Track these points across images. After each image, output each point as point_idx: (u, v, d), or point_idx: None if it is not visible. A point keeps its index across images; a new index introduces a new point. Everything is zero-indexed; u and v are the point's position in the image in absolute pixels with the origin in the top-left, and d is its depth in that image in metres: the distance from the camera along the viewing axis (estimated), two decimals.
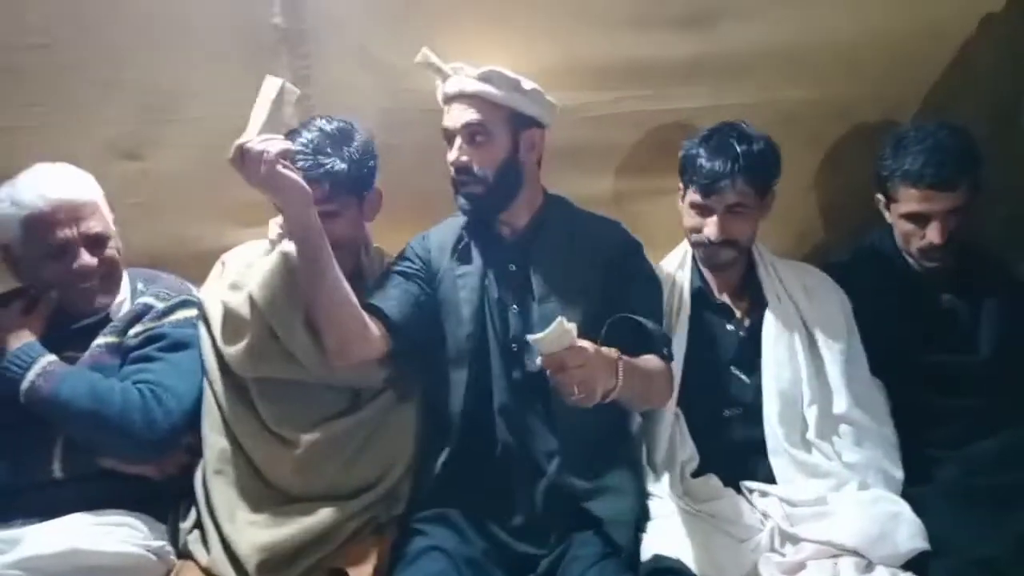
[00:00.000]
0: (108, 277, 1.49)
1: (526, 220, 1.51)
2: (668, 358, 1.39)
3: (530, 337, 1.16)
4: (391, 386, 1.52)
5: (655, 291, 1.51)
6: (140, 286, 1.57)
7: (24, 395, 1.36)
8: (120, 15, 1.66)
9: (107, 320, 1.51)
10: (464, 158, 1.45)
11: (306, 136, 1.46)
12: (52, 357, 1.40)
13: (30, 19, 1.63)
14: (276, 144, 1.30)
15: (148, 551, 1.35)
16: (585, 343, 1.18)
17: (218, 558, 1.35)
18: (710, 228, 1.49)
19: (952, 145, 1.50)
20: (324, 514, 1.39)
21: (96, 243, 1.45)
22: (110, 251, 1.48)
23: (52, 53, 1.64)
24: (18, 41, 1.63)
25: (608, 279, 1.46)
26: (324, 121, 1.50)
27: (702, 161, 1.49)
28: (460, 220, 1.55)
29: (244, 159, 1.29)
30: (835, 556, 1.30)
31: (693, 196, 1.52)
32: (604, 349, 1.23)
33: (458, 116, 1.46)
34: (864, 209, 1.70)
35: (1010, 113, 1.84)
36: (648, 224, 1.67)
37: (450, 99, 1.49)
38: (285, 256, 1.45)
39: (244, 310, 1.46)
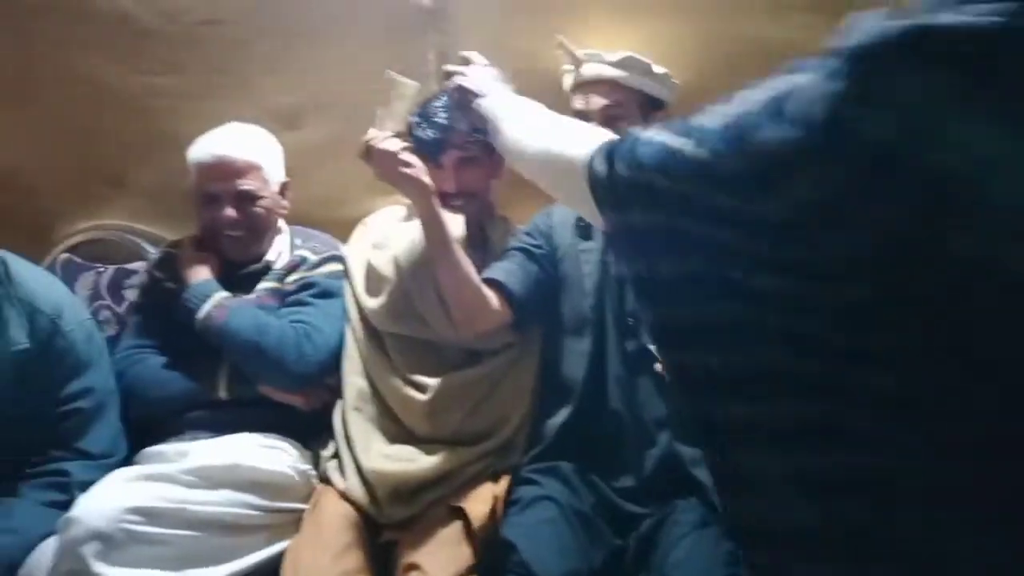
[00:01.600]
0: (253, 231, 1.66)
1: None
2: None
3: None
4: (508, 349, 1.62)
5: None
6: (297, 241, 1.75)
7: (199, 324, 1.55)
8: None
9: (267, 269, 1.70)
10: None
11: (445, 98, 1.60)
12: (226, 293, 1.59)
13: None
14: (395, 144, 1.45)
15: (296, 472, 1.52)
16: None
17: (353, 485, 1.50)
18: None
19: None
20: (447, 456, 1.52)
21: (244, 198, 1.62)
22: (257, 209, 1.64)
23: (224, 29, 1.84)
24: (194, 17, 1.84)
25: None
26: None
27: None
28: None
29: (370, 155, 1.45)
30: None
31: None
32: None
33: (596, 100, 1.56)
34: None
35: None
36: None
37: (585, 84, 1.58)
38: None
39: (387, 270, 1.61)
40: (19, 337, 1.38)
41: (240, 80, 1.88)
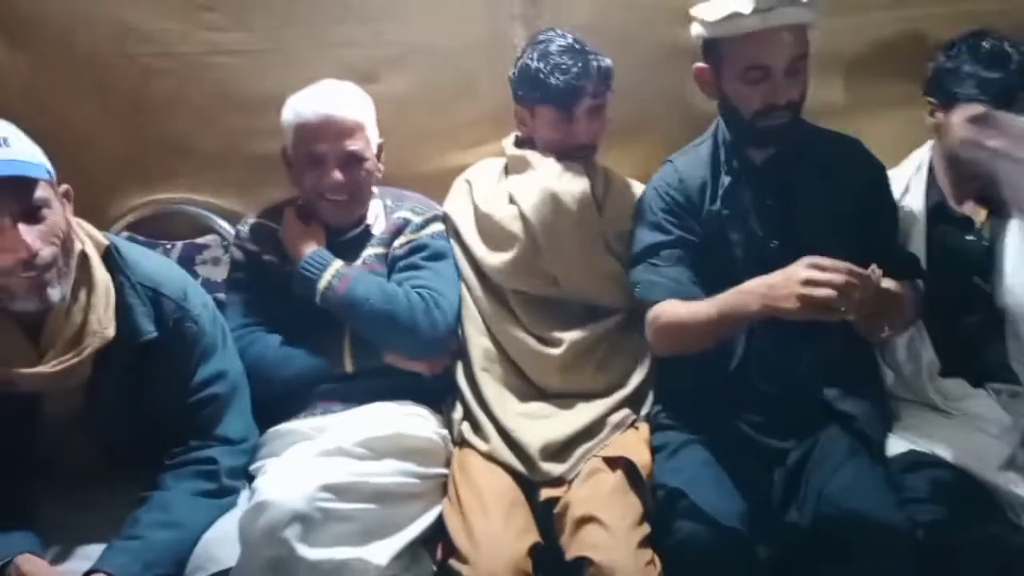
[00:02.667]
0: (358, 195, 1.59)
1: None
2: (919, 290, 1.47)
3: None
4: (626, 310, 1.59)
5: (896, 217, 1.54)
6: (389, 202, 1.68)
7: (321, 295, 1.49)
8: None
9: (367, 234, 1.63)
10: (789, 95, 1.41)
11: (561, 42, 1.54)
12: (341, 264, 1.52)
13: None
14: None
15: (439, 436, 1.49)
16: (890, 285, 1.26)
17: (498, 446, 1.48)
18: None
19: None
20: (587, 408, 1.52)
21: (351, 160, 1.55)
22: (362, 172, 1.57)
23: None
24: None
25: (862, 207, 1.49)
26: (557, 34, 1.57)
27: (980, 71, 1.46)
28: (706, 150, 1.54)
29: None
30: None
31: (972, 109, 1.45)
32: (893, 286, 1.30)
33: (780, 51, 1.37)
34: None
35: None
36: (872, 136, 1.66)
37: (766, 29, 1.37)
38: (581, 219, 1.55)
39: (514, 226, 1.56)
40: (146, 326, 1.29)
41: (310, 32, 1.77)
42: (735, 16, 1.37)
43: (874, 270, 1.22)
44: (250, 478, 1.39)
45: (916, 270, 1.49)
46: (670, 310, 1.44)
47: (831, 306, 1.20)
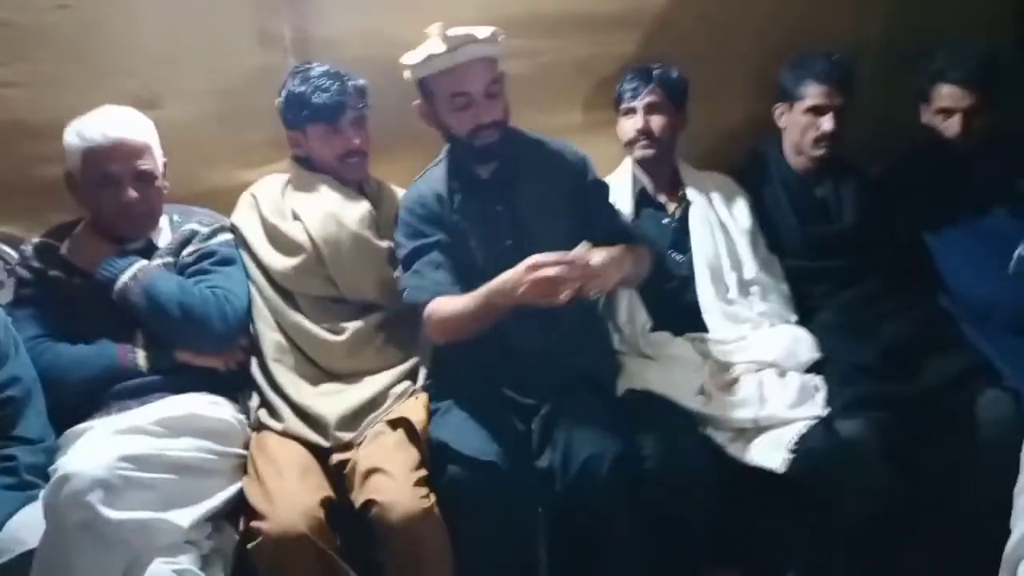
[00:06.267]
0: (150, 211, 1.73)
1: (499, 158, 1.74)
2: (643, 242, 1.82)
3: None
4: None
5: (608, 192, 1.89)
6: (176, 217, 1.82)
7: (117, 293, 1.61)
8: None
9: (151, 246, 1.76)
10: (493, 116, 1.67)
11: (319, 69, 1.80)
12: (144, 262, 1.65)
13: None
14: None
15: (236, 420, 1.65)
16: (602, 256, 1.57)
17: (293, 423, 1.67)
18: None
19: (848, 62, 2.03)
20: (372, 382, 1.75)
21: (143, 179, 1.68)
22: (154, 188, 1.71)
23: (74, 12, 1.83)
24: (44, 3, 1.81)
25: (573, 191, 1.78)
26: (313, 64, 1.84)
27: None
28: (440, 170, 1.77)
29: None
30: (758, 371, 1.80)
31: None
32: (613, 248, 1.62)
33: (474, 79, 1.63)
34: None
35: None
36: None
37: (458, 64, 1.62)
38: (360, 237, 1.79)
39: (300, 238, 1.78)
40: None
41: (89, 63, 1.87)
42: (431, 57, 1.63)
43: (584, 245, 1.55)
44: (48, 479, 1.46)
45: (631, 236, 1.80)
46: (439, 309, 1.66)
47: (550, 295, 1.50)
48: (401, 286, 1.74)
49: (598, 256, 1.60)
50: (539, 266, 1.52)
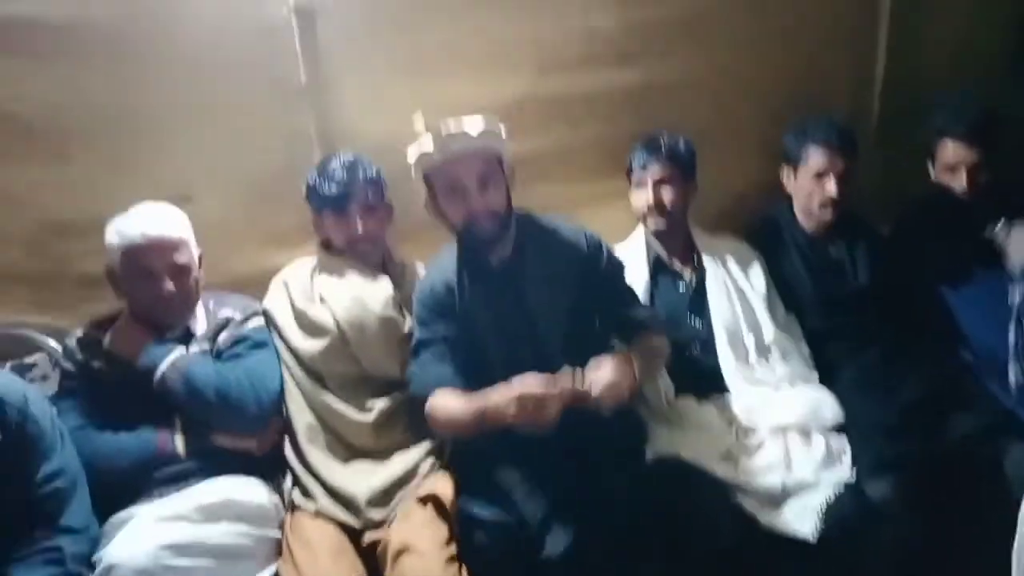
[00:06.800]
0: (186, 300, 1.81)
1: (511, 246, 1.76)
2: (660, 330, 1.81)
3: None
4: None
5: (624, 275, 1.88)
6: (211, 304, 1.91)
7: (157, 381, 1.68)
8: (166, 89, 1.98)
9: (188, 333, 1.84)
10: (487, 206, 1.67)
11: (337, 160, 1.89)
12: (182, 349, 1.72)
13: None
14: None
15: (271, 503, 1.70)
16: (605, 366, 1.55)
17: (326, 504, 1.72)
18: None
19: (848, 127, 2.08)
20: (401, 459, 1.79)
21: (180, 273, 1.77)
22: (191, 280, 1.80)
23: (119, 119, 1.97)
24: (84, 109, 1.94)
25: (586, 280, 1.77)
26: (338, 155, 1.93)
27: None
28: (451, 259, 1.78)
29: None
30: (783, 432, 1.82)
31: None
32: (618, 358, 1.59)
33: (466, 171, 1.64)
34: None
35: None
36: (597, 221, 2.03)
37: (454, 155, 1.64)
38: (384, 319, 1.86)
39: (327, 321, 1.85)
40: None
41: (122, 160, 1.99)
42: (424, 155, 1.67)
43: (577, 376, 1.54)
44: (93, 567, 1.51)
45: (644, 325, 1.80)
46: (440, 407, 1.67)
47: (539, 419, 1.51)
48: (407, 375, 1.78)
49: (601, 375, 1.57)
50: (527, 395, 1.52)
